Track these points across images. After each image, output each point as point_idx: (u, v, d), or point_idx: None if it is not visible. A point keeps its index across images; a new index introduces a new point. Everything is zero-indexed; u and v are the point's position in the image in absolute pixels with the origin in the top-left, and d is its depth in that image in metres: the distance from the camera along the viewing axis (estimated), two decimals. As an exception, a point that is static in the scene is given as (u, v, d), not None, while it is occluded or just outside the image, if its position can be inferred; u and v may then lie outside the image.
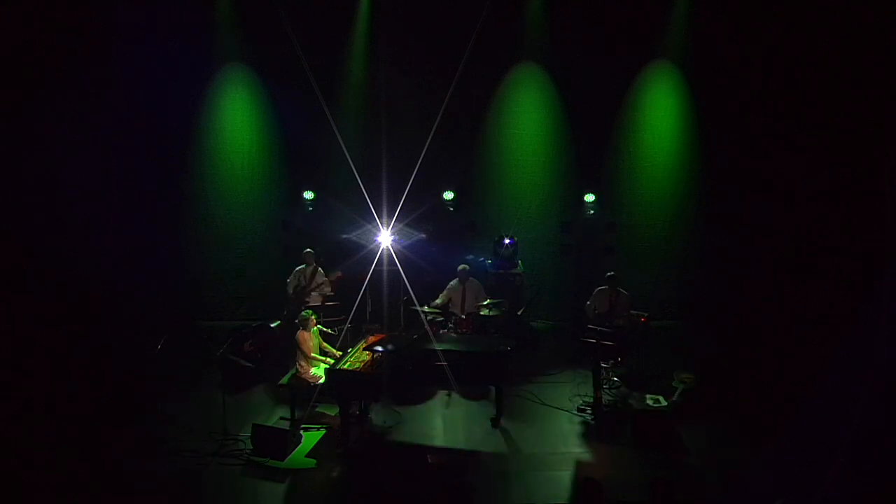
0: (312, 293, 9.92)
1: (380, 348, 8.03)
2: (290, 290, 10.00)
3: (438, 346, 8.19)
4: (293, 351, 8.45)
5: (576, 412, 8.51)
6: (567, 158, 11.40)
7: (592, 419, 8.33)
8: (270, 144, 11.40)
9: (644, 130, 11.32)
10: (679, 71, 11.11)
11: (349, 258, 10.32)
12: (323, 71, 10.82)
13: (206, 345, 9.85)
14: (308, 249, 10.12)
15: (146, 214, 10.82)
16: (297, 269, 10.08)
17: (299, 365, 8.34)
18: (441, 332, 9.37)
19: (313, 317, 8.52)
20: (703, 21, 10.77)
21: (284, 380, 8.45)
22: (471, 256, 10.65)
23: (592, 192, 10.87)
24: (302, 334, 8.33)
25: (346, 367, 8.01)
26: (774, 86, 10.50)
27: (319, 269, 10.06)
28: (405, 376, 8.22)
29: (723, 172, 11.02)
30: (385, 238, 10.10)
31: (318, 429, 8.09)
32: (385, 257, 10.16)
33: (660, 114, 11.27)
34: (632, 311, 9.34)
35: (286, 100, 11.09)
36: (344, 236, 10.69)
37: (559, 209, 11.38)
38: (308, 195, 10.88)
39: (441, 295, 10.08)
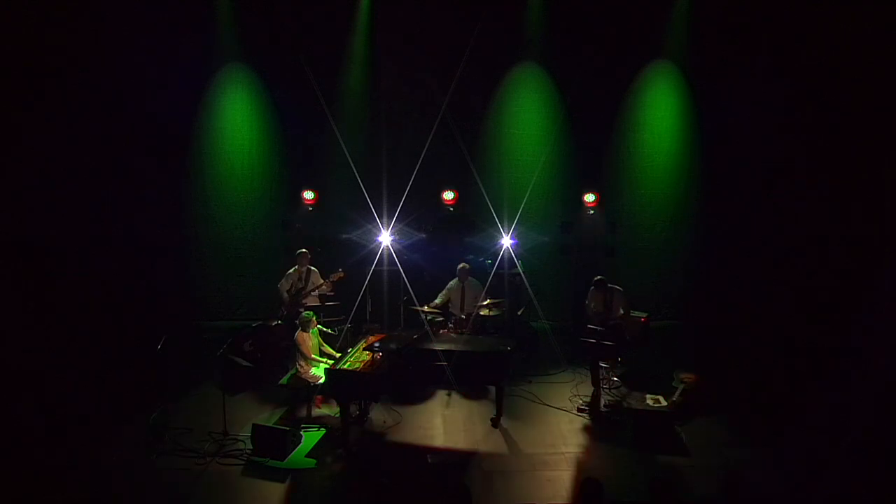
0: (311, 294, 9.87)
1: (380, 348, 8.04)
2: (285, 294, 9.85)
3: (438, 346, 8.20)
4: (293, 351, 8.46)
5: (576, 412, 8.52)
6: (567, 158, 11.39)
7: (592, 419, 8.33)
8: (270, 144, 11.39)
9: (644, 130, 11.32)
10: (679, 71, 11.11)
11: (349, 258, 10.30)
12: (323, 71, 10.81)
13: (206, 345, 9.86)
14: (302, 250, 9.94)
15: (146, 215, 10.81)
16: (290, 271, 9.93)
17: (299, 365, 8.34)
18: (441, 332, 9.38)
19: (313, 318, 8.52)
20: (703, 21, 10.77)
21: (284, 380, 8.46)
22: (471, 256, 10.64)
23: (592, 192, 10.87)
24: (301, 335, 8.34)
25: (346, 367, 8.01)
26: (774, 85, 10.50)
27: (314, 269, 9.98)
28: (405, 376, 8.23)
29: (723, 172, 11.02)
30: (385, 238, 10.09)
31: (318, 429, 8.09)
32: (385, 257, 10.16)
33: (660, 114, 11.27)
34: (631, 312, 9.33)
35: (286, 100, 11.09)
36: (344, 236, 10.68)
37: (559, 209, 11.37)
38: (308, 195, 10.87)
39: (440, 295, 10.07)
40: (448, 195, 10.93)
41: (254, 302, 11.44)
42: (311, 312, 8.67)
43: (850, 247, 9.68)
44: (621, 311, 9.27)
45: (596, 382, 8.62)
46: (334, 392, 8.08)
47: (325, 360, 8.44)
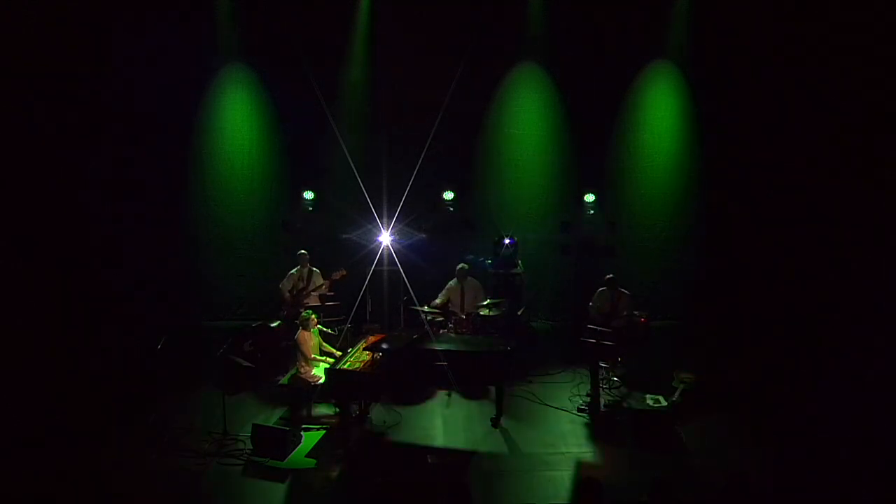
0: (311, 294, 9.88)
1: (380, 348, 8.04)
2: (286, 294, 9.92)
3: (438, 346, 8.19)
4: (293, 351, 8.45)
5: (576, 412, 8.52)
6: (567, 158, 11.38)
7: (592, 419, 8.33)
8: (270, 144, 11.39)
9: (644, 130, 11.31)
10: (679, 71, 11.10)
11: (349, 258, 10.30)
12: (323, 71, 10.81)
13: (206, 345, 9.86)
14: (302, 251, 10.03)
15: (146, 215, 10.82)
16: (291, 272, 10.01)
17: (299, 365, 8.34)
18: (441, 332, 9.38)
19: (314, 317, 8.52)
20: (703, 21, 10.77)
21: (284, 380, 8.46)
22: (471, 256, 10.63)
23: (592, 192, 10.87)
24: (302, 334, 8.34)
25: (346, 367, 8.01)
26: (775, 85, 10.50)
27: (315, 270, 10.00)
28: (405, 376, 8.22)
29: (723, 172, 11.02)
30: (385, 238, 10.10)
31: (318, 429, 8.09)
32: (385, 257, 10.16)
33: (660, 114, 11.26)
34: (634, 312, 9.33)
35: (286, 100, 11.08)
36: (344, 236, 10.67)
37: (559, 209, 11.35)
38: (308, 195, 10.86)
39: (440, 295, 10.07)
40: (448, 195, 10.93)
41: (254, 302, 11.44)
42: (311, 311, 8.68)
43: (851, 247, 9.68)
44: (625, 314, 9.27)
45: (596, 382, 8.60)
46: (334, 392, 8.09)
47: (325, 359, 8.44)
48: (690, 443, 7.74)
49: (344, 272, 9.74)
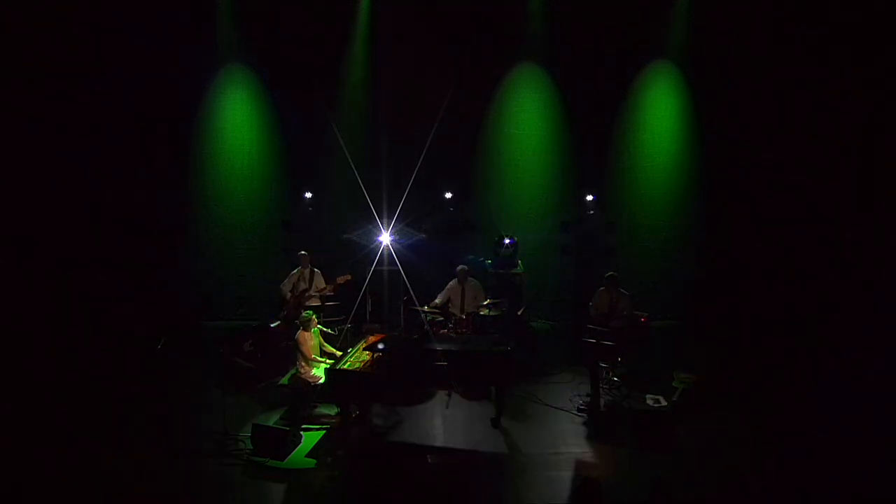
0: (313, 295, 9.88)
1: (380, 347, 8.04)
2: (287, 294, 9.93)
3: (438, 346, 8.20)
4: (293, 351, 8.46)
5: (576, 412, 8.52)
6: (567, 158, 11.39)
7: (592, 419, 8.32)
8: (270, 144, 11.39)
9: (644, 130, 11.32)
10: (679, 71, 11.11)
11: (349, 258, 10.31)
12: (323, 71, 10.82)
13: (206, 345, 9.86)
14: (303, 252, 10.04)
15: (146, 215, 10.81)
16: (292, 272, 10.03)
17: (299, 365, 8.34)
18: (441, 332, 9.38)
19: (314, 317, 8.53)
20: (703, 21, 10.77)
21: (284, 380, 8.46)
22: (471, 256, 10.65)
23: (592, 192, 10.86)
24: (302, 335, 8.34)
25: (346, 367, 8.02)
26: (775, 85, 10.50)
27: (317, 271, 10.01)
28: (405, 376, 8.22)
29: (723, 172, 11.02)
30: (385, 238, 10.10)
31: (318, 429, 8.09)
32: (385, 257, 10.16)
33: (660, 114, 11.27)
34: (634, 312, 9.33)
35: (286, 100, 11.09)
36: (344, 236, 10.68)
37: (559, 209, 11.36)
38: (308, 195, 10.87)
39: (440, 295, 10.07)
40: (448, 195, 10.93)
41: (254, 302, 11.45)
42: (311, 312, 8.68)
43: (851, 247, 9.68)
44: (624, 314, 9.27)
45: (596, 382, 8.61)
46: (334, 392, 8.09)
47: (325, 360, 8.44)
48: (690, 443, 7.74)
49: (349, 276, 9.77)
